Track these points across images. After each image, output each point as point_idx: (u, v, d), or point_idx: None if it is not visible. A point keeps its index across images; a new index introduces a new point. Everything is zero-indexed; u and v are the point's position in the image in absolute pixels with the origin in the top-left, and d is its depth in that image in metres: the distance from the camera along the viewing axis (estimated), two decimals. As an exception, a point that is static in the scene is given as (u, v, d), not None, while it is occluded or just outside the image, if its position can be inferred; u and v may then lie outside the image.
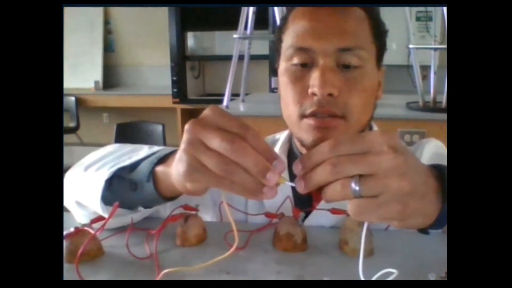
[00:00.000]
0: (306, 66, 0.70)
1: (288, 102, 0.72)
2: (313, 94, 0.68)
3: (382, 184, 0.41)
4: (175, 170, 0.48)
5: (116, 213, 0.63)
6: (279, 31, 0.76)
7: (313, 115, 0.69)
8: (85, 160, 0.72)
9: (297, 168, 0.44)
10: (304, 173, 0.44)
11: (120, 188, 0.65)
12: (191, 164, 0.45)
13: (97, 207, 0.65)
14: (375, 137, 0.42)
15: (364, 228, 0.48)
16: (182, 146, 0.46)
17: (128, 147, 0.72)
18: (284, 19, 0.76)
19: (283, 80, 0.73)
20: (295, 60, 0.70)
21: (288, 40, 0.72)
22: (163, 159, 0.62)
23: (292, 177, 0.77)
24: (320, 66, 0.68)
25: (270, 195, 0.45)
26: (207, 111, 0.46)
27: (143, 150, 0.68)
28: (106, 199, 0.65)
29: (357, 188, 0.41)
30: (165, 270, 0.55)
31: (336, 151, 0.42)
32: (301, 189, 0.44)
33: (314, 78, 0.67)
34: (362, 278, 0.48)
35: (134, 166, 0.65)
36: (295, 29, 0.71)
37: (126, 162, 0.66)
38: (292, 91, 0.71)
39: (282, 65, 0.74)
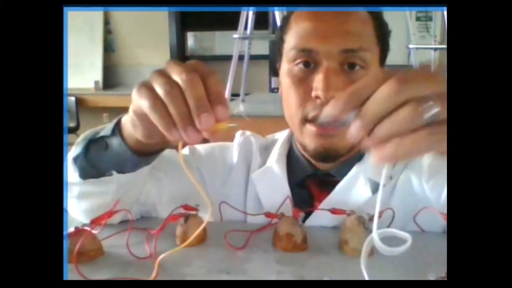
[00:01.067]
0: (309, 68, 0.69)
1: (291, 105, 0.72)
2: (317, 97, 0.67)
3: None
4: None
5: (92, 186, 0.64)
6: (281, 31, 0.76)
7: (316, 119, 0.68)
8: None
9: (342, 103, 0.37)
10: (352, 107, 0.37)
11: (94, 150, 0.65)
12: (144, 81, 0.47)
13: (71, 175, 0.65)
14: (435, 71, 0.38)
15: (375, 226, 0.45)
16: None
17: None
18: (286, 19, 0.75)
19: (285, 81, 0.73)
20: (298, 62, 0.70)
21: (291, 41, 0.71)
22: None
23: (292, 181, 0.77)
24: (324, 68, 0.67)
25: (192, 137, 0.44)
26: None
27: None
28: (83, 170, 0.65)
29: (435, 110, 0.34)
30: (162, 255, 0.57)
31: (398, 73, 0.35)
32: (357, 130, 0.37)
33: (318, 80, 0.67)
34: (367, 278, 0.48)
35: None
36: (298, 30, 0.71)
37: (99, 127, 0.67)
38: (294, 93, 0.70)
39: (285, 67, 0.73)
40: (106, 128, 0.64)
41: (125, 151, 0.61)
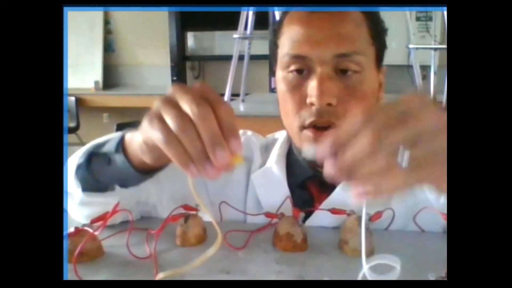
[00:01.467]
0: (303, 74, 0.69)
1: (287, 112, 0.71)
2: (312, 104, 0.67)
3: (432, 145, 0.38)
4: (139, 130, 0.50)
5: (94, 198, 0.64)
6: (274, 34, 0.75)
7: (312, 126, 0.68)
8: (73, 155, 0.73)
9: (324, 149, 0.40)
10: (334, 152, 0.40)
11: (96, 164, 0.65)
12: (154, 111, 0.46)
13: (73, 188, 0.66)
14: (410, 99, 0.39)
15: (363, 226, 0.45)
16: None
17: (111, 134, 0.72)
18: (279, 22, 0.74)
19: (280, 88, 0.72)
20: (292, 68, 0.69)
21: (284, 46, 0.71)
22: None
23: (291, 183, 0.77)
24: (317, 74, 0.66)
25: (210, 173, 0.43)
26: (196, 84, 0.47)
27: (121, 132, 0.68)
28: (86, 182, 0.65)
29: (406, 156, 0.37)
30: (160, 274, 0.55)
31: (372, 121, 0.38)
32: (331, 170, 0.40)
33: (312, 87, 0.66)
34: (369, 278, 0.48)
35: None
36: (290, 35, 0.70)
37: (102, 139, 0.66)
38: (290, 100, 0.70)
39: (279, 73, 0.72)
40: (109, 144, 0.64)
41: (128, 168, 0.61)
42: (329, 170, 0.40)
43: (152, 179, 0.71)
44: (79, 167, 0.65)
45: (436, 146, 0.39)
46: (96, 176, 0.65)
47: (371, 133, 0.37)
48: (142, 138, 0.52)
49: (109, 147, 0.63)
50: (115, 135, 0.65)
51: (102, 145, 0.65)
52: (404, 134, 0.37)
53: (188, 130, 0.43)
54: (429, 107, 0.39)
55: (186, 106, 0.44)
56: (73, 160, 0.68)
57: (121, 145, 0.61)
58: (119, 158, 0.61)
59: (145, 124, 0.47)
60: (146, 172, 0.63)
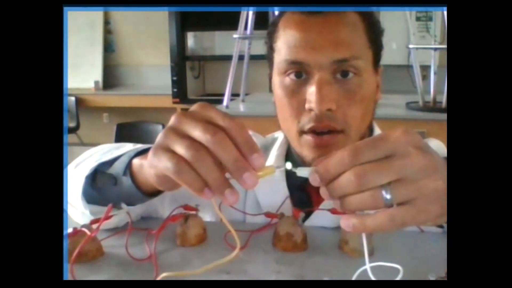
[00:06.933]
0: (301, 78, 0.68)
1: (286, 117, 0.71)
2: (311, 109, 0.66)
3: (415, 188, 0.39)
4: (148, 156, 0.47)
5: (101, 212, 0.63)
6: (270, 38, 0.74)
7: (312, 131, 0.67)
8: (77, 159, 0.72)
9: (315, 180, 0.42)
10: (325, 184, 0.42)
11: (101, 183, 0.65)
12: (161, 143, 0.44)
13: (79, 205, 0.65)
14: (398, 138, 0.40)
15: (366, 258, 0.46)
16: (162, 132, 0.45)
17: (115, 145, 0.72)
18: (274, 25, 0.73)
19: (278, 93, 0.72)
20: (289, 74, 0.68)
21: (281, 52, 0.70)
22: (142, 153, 0.62)
23: (290, 180, 0.77)
24: (316, 80, 0.65)
25: (231, 199, 0.42)
26: (194, 106, 0.45)
27: (127, 146, 0.68)
28: (90, 196, 0.65)
29: (388, 196, 0.39)
30: (163, 274, 0.55)
31: (358, 160, 0.39)
32: (324, 197, 0.42)
33: (311, 93, 0.65)
34: (373, 278, 0.48)
35: (115, 161, 0.64)
36: (286, 41, 0.69)
37: (107, 157, 0.65)
38: (288, 106, 0.69)
39: (276, 78, 0.72)
40: (116, 165, 0.63)
41: (136, 192, 0.61)
42: (323, 196, 0.42)
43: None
44: (84, 185, 0.65)
45: (421, 187, 0.39)
46: (101, 193, 0.65)
47: (356, 172, 0.39)
48: (154, 172, 0.48)
49: (116, 169, 0.62)
50: (121, 153, 0.64)
51: (108, 163, 0.64)
52: (388, 176, 0.39)
53: (204, 160, 0.41)
54: (416, 148, 0.40)
55: (199, 135, 0.42)
56: (77, 170, 0.68)
57: (128, 170, 0.61)
58: (126, 181, 0.61)
59: (152, 158, 0.45)
60: (154, 195, 0.63)
